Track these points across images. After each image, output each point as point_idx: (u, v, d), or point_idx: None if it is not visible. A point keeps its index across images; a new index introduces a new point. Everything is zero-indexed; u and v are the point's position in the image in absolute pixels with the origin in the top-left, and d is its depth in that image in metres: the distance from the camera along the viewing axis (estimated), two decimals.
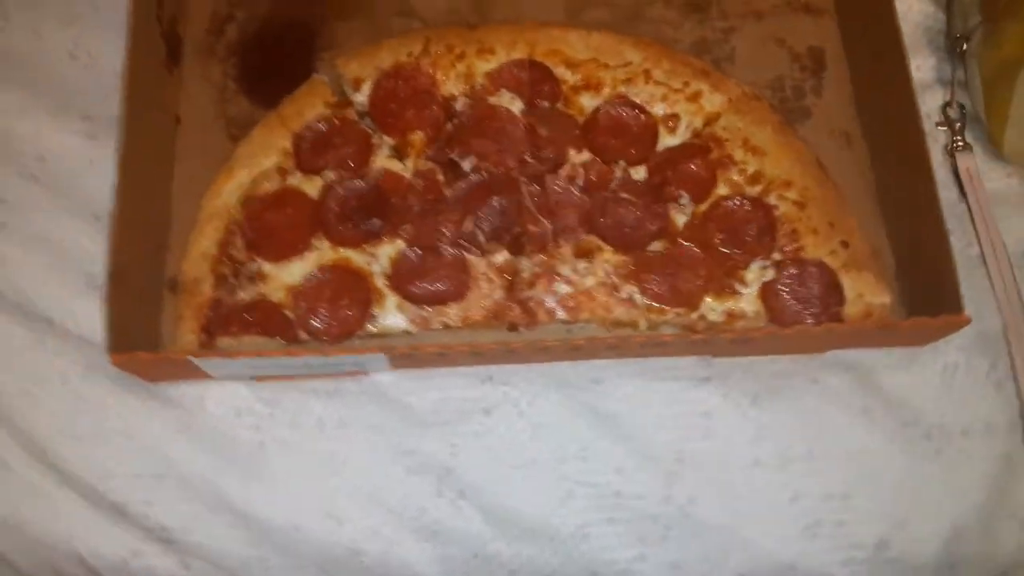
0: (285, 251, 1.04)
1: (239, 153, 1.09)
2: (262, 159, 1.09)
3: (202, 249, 1.04)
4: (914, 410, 1.04)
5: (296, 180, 1.08)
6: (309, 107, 1.11)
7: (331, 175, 1.07)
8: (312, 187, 1.08)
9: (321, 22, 1.21)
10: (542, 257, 1.06)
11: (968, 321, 0.95)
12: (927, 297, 1.01)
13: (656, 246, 1.06)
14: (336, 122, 1.10)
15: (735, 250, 1.05)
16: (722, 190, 1.08)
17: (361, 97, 1.11)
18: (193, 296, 1.02)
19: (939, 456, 1.03)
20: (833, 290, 1.02)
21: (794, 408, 1.04)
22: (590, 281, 1.05)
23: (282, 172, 1.08)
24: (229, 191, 1.07)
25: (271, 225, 1.05)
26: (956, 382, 1.05)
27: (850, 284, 1.03)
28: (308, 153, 1.08)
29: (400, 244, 1.05)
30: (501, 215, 1.06)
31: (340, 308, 1.02)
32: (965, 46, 1.18)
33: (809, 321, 1.02)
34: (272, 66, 1.19)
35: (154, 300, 1.05)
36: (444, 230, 1.05)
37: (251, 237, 1.04)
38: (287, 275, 1.04)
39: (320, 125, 1.09)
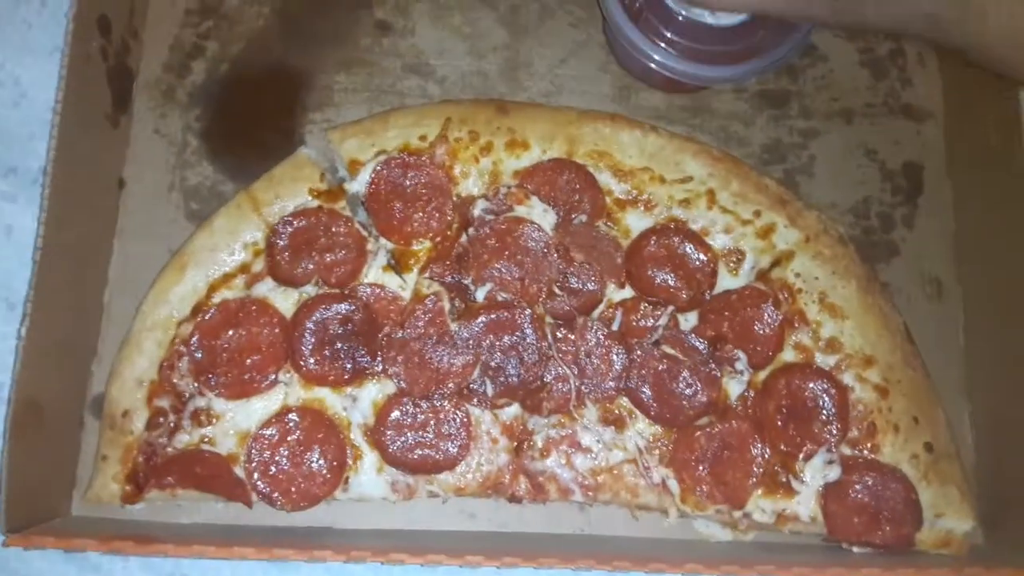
0: (243, 385, 0.83)
1: (196, 243, 0.86)
2: (225, 255, 0.86)
3: (137, 372, 0.83)
4: None
5: (265, 289, 0.86)
6: (290, 192, 0.88)
7: (310, 288, 0.85)
8: (286, 301, 0.86)
9: (314, 71, 0.97)
10: (561, 419, 0.86)
11: None
12: (1012, 514, 0.84)
13: (701, 420, 0.86)
14: (323, 217, 0.87)
15: (797, 436, 0.86)
16: (789, 355, 0.88)
17: (358, 186, 0.89)
18: (121, 434, 0.81)
19: None
20: (910, 509, 0.85)
21: None
22: (617, 456, 0.86)
23: (249, 276, 0.86)
24: (178, 296, 0.85)
25: (229, 347, 0.83)
26: None
27: (929, 501, 0.85)
28: (286, 255, 0.86)
29: (388, 387, 0.84)
30: (517, 362, 0.85)
31: (305, 468, 0.81)
32: None
33: (877, 542, 0.84)
34: (248, 124, 0.95)
35: (73, 426, 0.84)
36: (446, 377, 0.84)
37: (202, 362, 0.83)
38: (243, 417, 0.83)
39: (303, 220, 0.87)
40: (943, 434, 0.87)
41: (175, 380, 0.83)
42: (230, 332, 0.83)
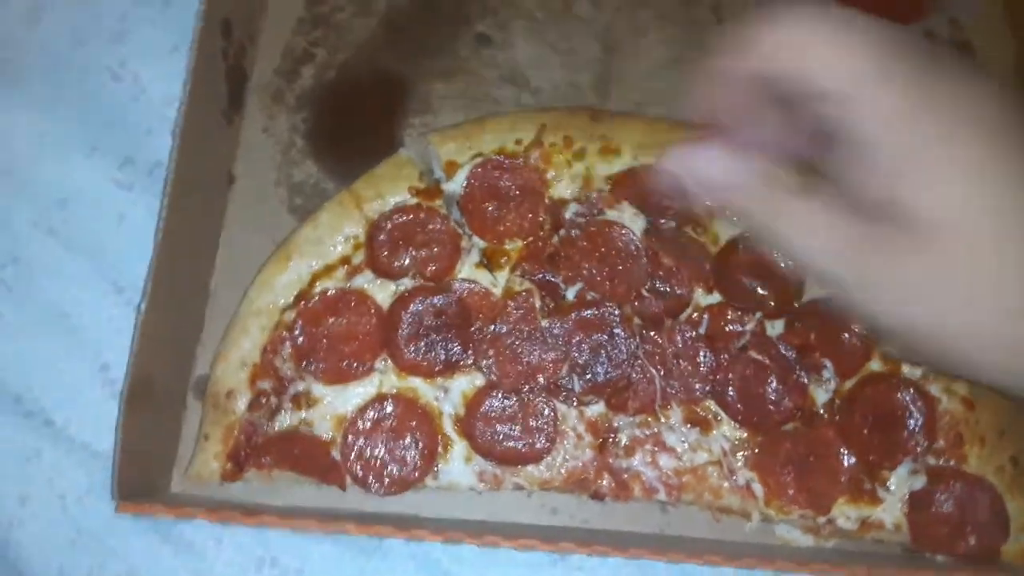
0: (341, 371, 0.86)
1: (301, 236, 0.90)
2: (328, 247, 0.90)
3: (241, 354, 0.86)
4: None
5: (364, 281, 0.89)
6: (391, 190, 0.92)
7: (407, 281, 0.88)
8: (383, 292, 0.89)
9: (415, 79, 1.01)
10: (646, 418, 0.87)
11: None
12: None
13: (787, 426, 0.87)
14: (421, 214, 0.91)
15: (883, 445, 0.86)
16: (876, 366, 0.88)
17: (454, 186, 0.92)
18: (224, 414, 0.84)
19: None
20: (996, 520, 0.83)
21: None
22: (701, 457, 0.86)
23: (349, 268, 0.89)
24: (283, 284, 0.89)
25: (329, 335, 0.86)
26: None
27: (1016, 512, 0.84)
28: (384, 249, 0.89)
29: (478, 379, 0.87)
30: (606, 360, 0.87)
31: (399, 453, 0.84)
32: None
33: (960, 552, 0.83)
34: (351, 127, 0.99)
35: (176, 406, 0.87)
36: (535, 372, 0.86)
37: (303, 347, 0.86)
38: (340, 402, 0.85)
39: (402, 216, 0.90)
40: None
41: (277, 364, 0.86)
42: (330, 320, 0.87)
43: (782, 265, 0.89)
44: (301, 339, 0.86)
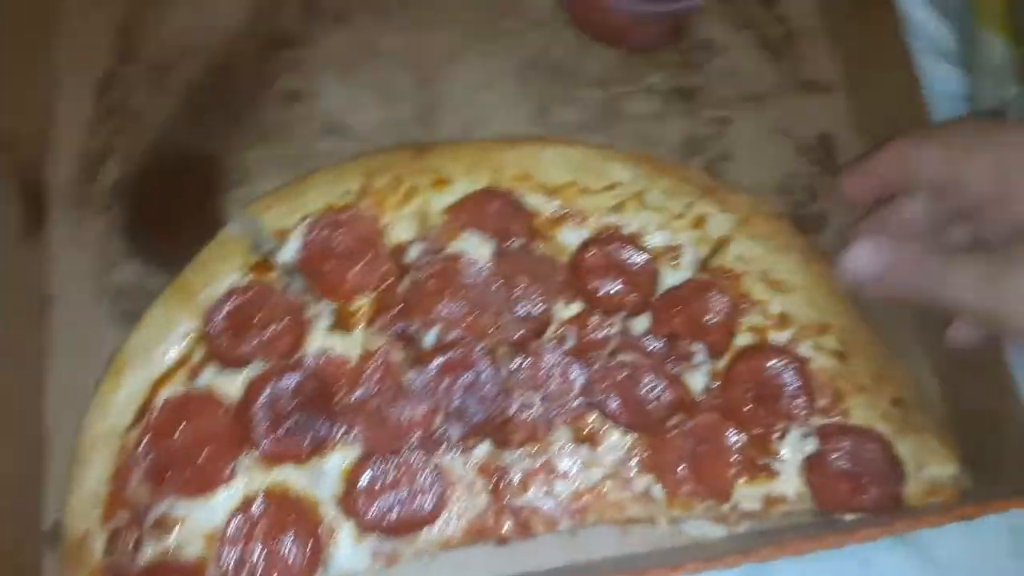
0: (202, 480, 0.80)
1: (130, 345, 0.84)
2: (163, 351, 0.84)
3: (88, 491, 0.79)
4: None
5: (209, 377, 0.83)
6: (221, 273, 0.87)
7: (258, 365, 0.83)
8: (232, 384, 0.83)
9: (229, 151, 0.96)
10: (535, 447, 0.84)
11: None
12: (990, 452, 0.84)
13: (673, 420, 0.85)
14: (257, 292, 0.86)
15: (767, 417, 0.85)
16: (743, 339, 0.88)
17: (288, 254, 0.87)
18: (82, 562, 0.77)
19: None
20: (891, 466, 0.84)
21: None
22: (596, 474, 0.84)
23: (191, 367, 0.84)
24: (121, 403, 0.82)
25: (180, 445, 0.80)
26: None
27: (909, 453, 0.85)
28: (224, 338, 0.84)
29: (353, 451, 0.82)
30: (478, 398, 0.83)
31: (281, 554, 0.78)
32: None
33: (864, 505, 0.83)
34: (169, 215, 0.93)
35: (30, 566, 0.80)
36: (409, 430, 0.82)
37: (155, 466, 0.80)
38: (207, 515, 0.79)
39: (237, 298, 0.85)
40: (909, 386, 0.87)
41: (130, 492, 0.79)
42: (179, 429, 0.81)
43: (633, 261, 0.88)
44: (151, 457, 0.80)
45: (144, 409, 0.81)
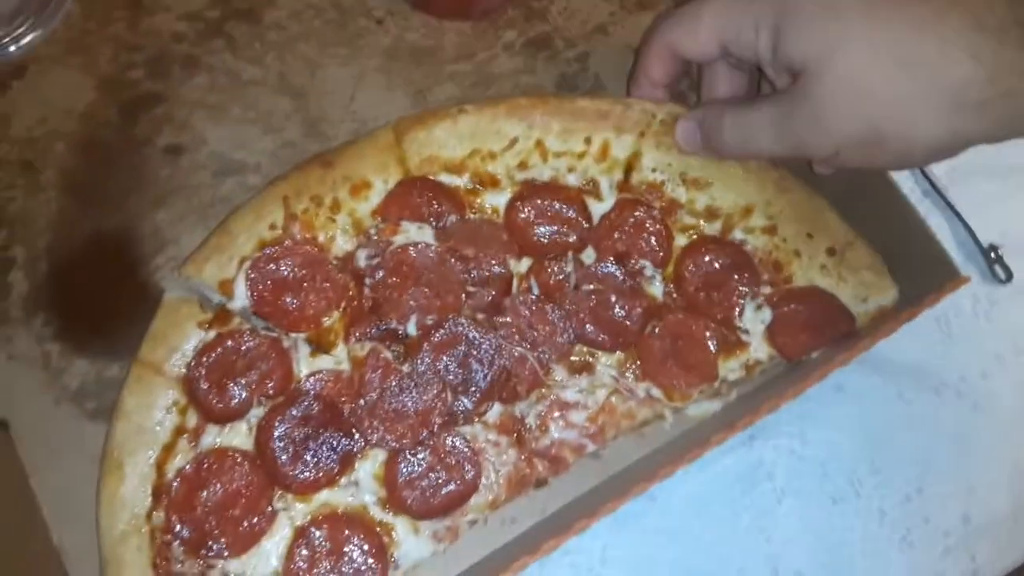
0: (246, 535, 0.79)
1: (117, 435, 0.81)
2: (153, 429, 0.81)
3: None
4: (935, 372, 1.01)
5: (212, 437, 0.82)
6: (182, 337, 0.85)
7: (256, 411, 0.83)
8: (238, 437, 0.82)
9: (133, 223, 0.93)
10: (539, 391, 0.89)
11: (969, 280, 0.91)
12: (910, 262, 0.97)
13: (648, 328, 0.93)
14: (228, 342, 0.84)
15: (723, 300, 0.94)
16: (681, 241, 0.96)
17: (240, 301, 0.86)
18: None
19: (977, 409, 1.01)
20: (839, 313, 0.95)
21: (841, 429, 0.97)
22: (601, 395, 0.90)
23: (189, 435, 0.82)
24: (131, 493, 0.79)
25: (210, 510, 0.79)
26: (953, 330, 1.04)
27: (852, 293, 0.96)
28: (212, 396, 0.82)
29: (380, 455, 0.84)
30: (478, 366, 0.87)
31: (350, 569, 0.79)
32: None
33: (823, 348, 0.94)
34: (98, 304, 0.90)
35: None
36: (426, 416, 0.85)
37: (192, 538, 0.78)
38: (263, 564, 0.79)
39: (210, 355, 0.83)
40: (839, 230, 0.97)
41: (176, 571, 0.77)
42: (204, 495, 0.79)
43: (559, 206, 0.94)
44: (185, 532, 0.78)
45: (159, 489, 0.79)
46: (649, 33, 0.94)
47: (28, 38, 0.98)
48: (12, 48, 0.97)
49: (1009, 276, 1.06)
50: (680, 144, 0.93)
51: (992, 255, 1.07)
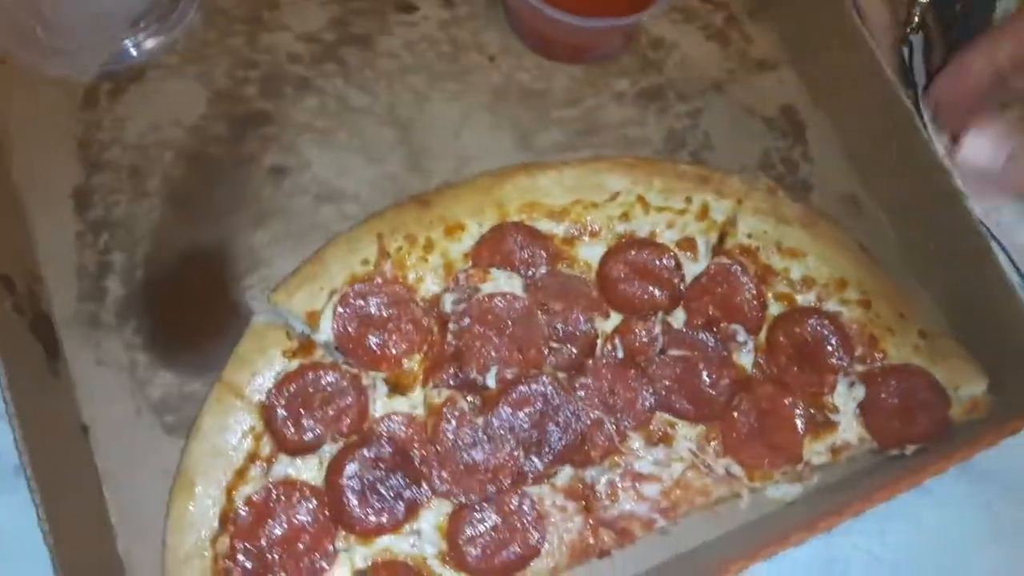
0: (306, 573, 0.78)
1: (193, 455, 0.82)
2: (228, 453, 0.82)
3: None
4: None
5: (284, 468, 0.82)
6: (265, 363, 0.85)
7: (328, 448, 0.82)
8: (309, 470, 0.82)
9: (230, 240, 0.94)
10: (613, 459, 0.86)
11: None
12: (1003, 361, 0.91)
13: (734, 401, 0.89)
14: (310, 374, 0.84)
15: (815, 375, 0.90)
16: (775, 309, 0.93)
17: (325, 334, 0.86)
18: None
19: None
20: (935, 393, 0.90)
21: (923, 533, 0.93)
22: (677, 469, 0.87)
23: (262, 462, 0.82)
24: (200, 515, 0.80)
25: (274, 543, 0.79)
26: None
27: (944, 379, 0.91)
28: (289, 426, 0.82)
29: (445, 506, 0.82)
30: (554, 427, 0.85)
31: None
32: None
33: (918, 434, 0.90)
34: (187, 317, 0.91)
35: None
36: (497, 472, 0.83)
37: (254, 569, 0.78)
38: None
39: (291, 384, 0.84)
40: (928, 317, 0.95)
41: None
42: (269, 526, 0.79)
43: (655, 262, 0.92)
44: (248, 563, 0.78)
45: (227, 515, 0.79)
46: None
47: (150, 44, 1.00)
48: (134, 52, 1.00)
49: None
50: (964, 161, 0.85)
51: None
